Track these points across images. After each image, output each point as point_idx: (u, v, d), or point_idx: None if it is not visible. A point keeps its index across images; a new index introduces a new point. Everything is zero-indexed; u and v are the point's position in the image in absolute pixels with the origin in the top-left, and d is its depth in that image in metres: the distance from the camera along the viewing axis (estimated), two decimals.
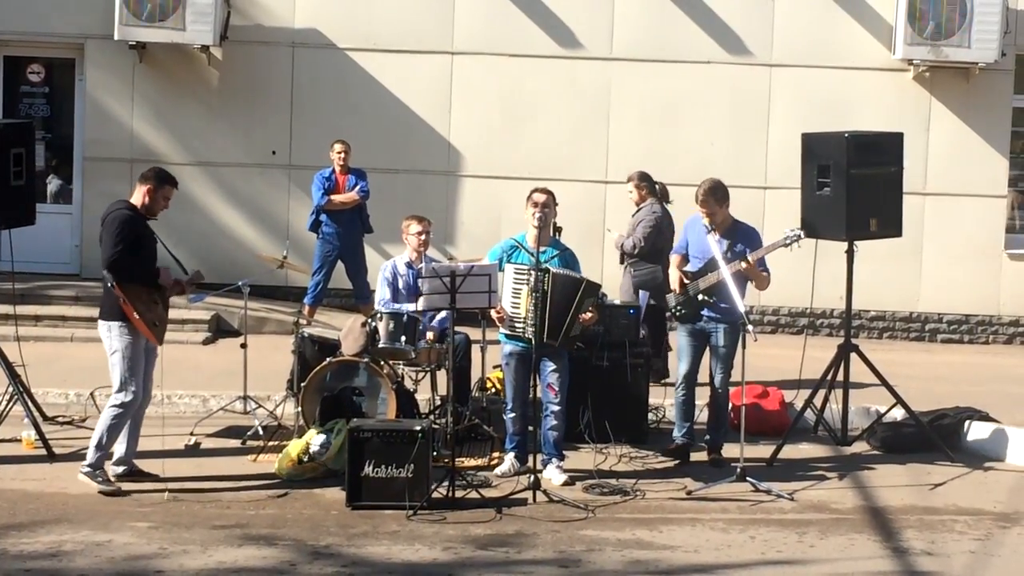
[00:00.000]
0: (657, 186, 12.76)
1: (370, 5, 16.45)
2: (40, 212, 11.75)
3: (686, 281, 10.38)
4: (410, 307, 10.78)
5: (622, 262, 12.81)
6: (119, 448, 9.49)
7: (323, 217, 14.62)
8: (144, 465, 9.63)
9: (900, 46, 15.98)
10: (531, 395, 9.78)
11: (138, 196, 9.40)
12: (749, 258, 10.22)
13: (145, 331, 9.20)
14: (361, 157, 15.01)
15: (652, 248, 12.41)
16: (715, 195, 10.28)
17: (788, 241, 10.54)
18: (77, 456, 10.17)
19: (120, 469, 9.50)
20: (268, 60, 16.44)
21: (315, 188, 14.62)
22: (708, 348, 10.46)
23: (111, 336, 9.31)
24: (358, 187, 14.57)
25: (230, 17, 16.17)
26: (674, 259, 10.64)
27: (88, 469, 9.32)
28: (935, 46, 15.87)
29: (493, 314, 9.88)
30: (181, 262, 9.85)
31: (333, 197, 14.53)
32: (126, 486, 9.33)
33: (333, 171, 14.67)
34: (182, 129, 16.46)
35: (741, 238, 10.34)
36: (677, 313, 10.45)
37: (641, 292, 12.45)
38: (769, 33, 16.47)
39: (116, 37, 15.88)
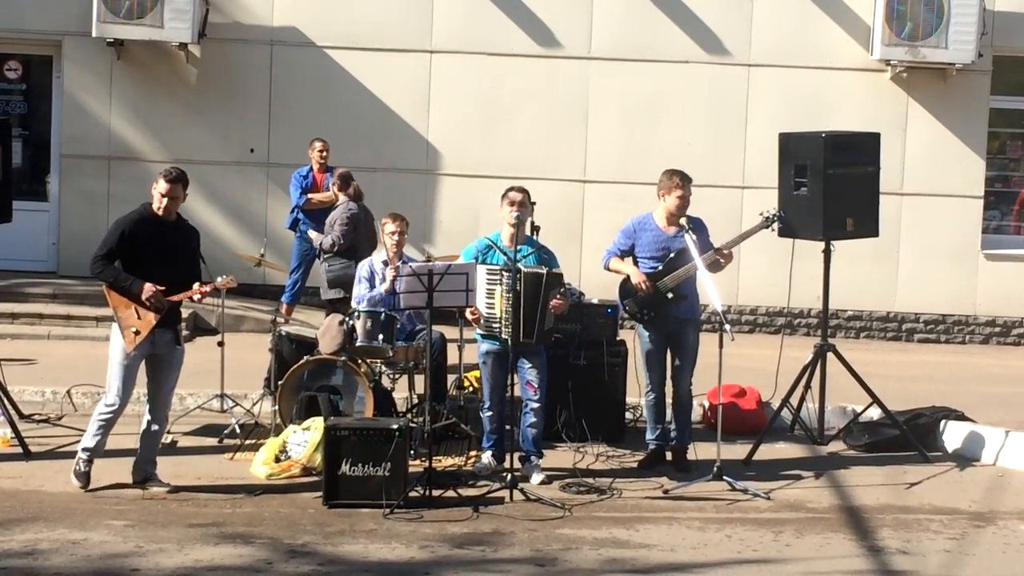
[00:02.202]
0: (353, 184, 13.20)
1: (349, 3, 16.42)
2: (16, 209, 11.69)
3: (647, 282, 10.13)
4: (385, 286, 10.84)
5: (319, 258, 13.29)
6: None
7: (301, 215, 14.59)
8: (117, 463, 9.59)
9: (878, 47, 16.02)
10: (508, 393, 9.78)
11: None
12: (724, 249, 10.18)
13: (122, 332, 9.14)
14: (339, 155, 14.98)
15: (350, 245, 12.78)
16: (691, 182, 10.24)
17: (768, 223, 10.51)
18: (53, 454, 10.17)
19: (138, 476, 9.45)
20: (246, 58, 16.41)
21: (292, 187, 14.60)
22: (669, 348, 10.33)
23: (111, 339, 9.29)
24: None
25: (208, 15, 16.12)
26: (618, 260, 10.31)
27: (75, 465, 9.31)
28: (912, 47, 15.91)
29: (468, 315, 9.87)
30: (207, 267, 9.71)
31: (311, 196, 14.50)
32: (106, 483, 9.30)
33: (311, 170, 14.64)
34: (160, 127, 16.41)
35: (698, 229, 10.13)
36: (645, 317, 10.22)
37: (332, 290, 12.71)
38: (747, 33, 16.50)
39: (94, 34, 15.82)
